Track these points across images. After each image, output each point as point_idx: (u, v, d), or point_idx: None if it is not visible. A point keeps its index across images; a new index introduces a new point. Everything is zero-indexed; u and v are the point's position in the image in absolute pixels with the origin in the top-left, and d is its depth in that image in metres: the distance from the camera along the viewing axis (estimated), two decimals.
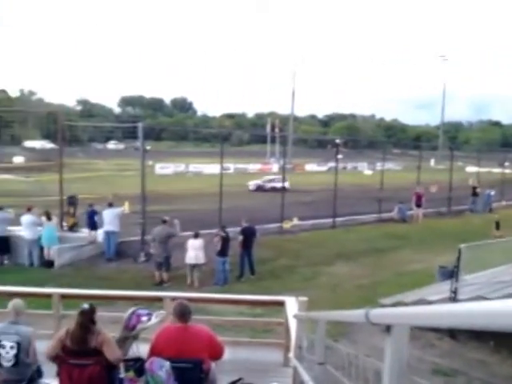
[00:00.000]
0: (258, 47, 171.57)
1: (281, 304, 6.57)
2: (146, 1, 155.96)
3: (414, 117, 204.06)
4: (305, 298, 5.80)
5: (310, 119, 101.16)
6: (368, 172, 41.89)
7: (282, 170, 20.67)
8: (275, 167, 41.83)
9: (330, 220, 19.65)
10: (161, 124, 66.45)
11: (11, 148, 37.65)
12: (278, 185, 28.85)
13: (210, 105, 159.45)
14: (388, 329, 1.76)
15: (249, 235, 13.35)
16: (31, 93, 69.89)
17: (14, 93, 65.71)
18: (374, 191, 22.52)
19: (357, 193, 24.30)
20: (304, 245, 16.37)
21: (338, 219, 19.81)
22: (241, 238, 13.26)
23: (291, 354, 5.33)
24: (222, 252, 12.78)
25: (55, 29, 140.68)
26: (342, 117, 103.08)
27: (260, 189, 29.79)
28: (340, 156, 23.31)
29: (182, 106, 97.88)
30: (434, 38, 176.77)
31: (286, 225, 18.12)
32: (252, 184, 31.27)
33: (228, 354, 6.26)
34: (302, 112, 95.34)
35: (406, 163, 38.02)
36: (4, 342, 4.46)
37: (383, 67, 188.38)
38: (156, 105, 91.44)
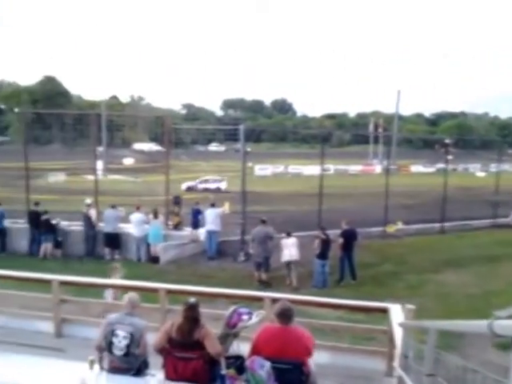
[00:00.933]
0: (361, 45, 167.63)
1: (384, 311, 6.32)
2: (245, 4, 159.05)
3: None
4: (412, 306, 5.56)
5: (415, 118, 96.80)
6: (481, 174, 39.27)
7: (386, 171, 19.91)
8: (378, 168, 40.60)
9: (437, 224, 18.63)
10: (261, 126, 67.39)
11: (122, 150, 40.32)
12: (213, 186, 27.73)
13: (310, 105, 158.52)
14: None
15: (349, 238, 13.05)
16: (140, 98, 74.39)
17: (124, 99, 70.39)
18: (488, 194, 21.03)
19: (468, 196, 22.79)
20: (409, 250, 15.65)
21: (447, 224, 18.70)
22: (341, 240, 12.99)
23: (396, 364, 5.14)
24: (322, 254, 12.63)
25: (162, 37, 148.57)
26: (452, 115, 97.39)
27: (190, 190, 27.67)
28: (450, 157, 22.02)
29: (282, 108, 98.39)
30: None
31: (390, 229, 17.43)
32: (184, 185, 29.09)
33: (327, 358, 6.15)
34: (407, 111, 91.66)
35: None
36: (118, 332, 4.66)
37: (495, 62, 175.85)
38: (256, 107, 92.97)
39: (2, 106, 57.92)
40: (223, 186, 29.52)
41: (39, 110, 41.20)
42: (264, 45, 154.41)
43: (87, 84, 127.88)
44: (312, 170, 27.52)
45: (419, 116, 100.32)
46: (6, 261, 13.46)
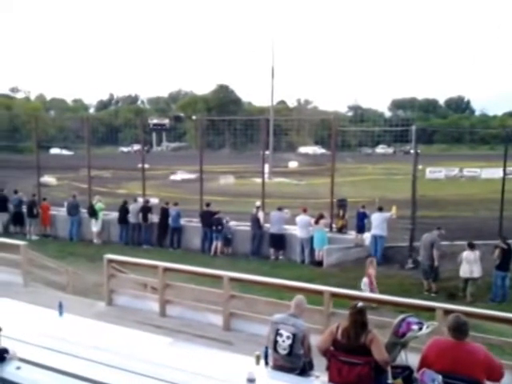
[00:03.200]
0: None
1: None
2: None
3: None
4: None
5: None
6: None
7: None
8: None
9: None
10: (433, 126, 63.57)
11: (287, 154, 41.47)
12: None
13: (490, 103, 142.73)
14: None
15: None
16: (307, 102, 75.28)
17: (292, 103, 72.16)
18: None
19: None
20: None
21: None
22: None
23: None
24: (502, 266, 11.58)
25: (327, 40, 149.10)
26: None
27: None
28: None
29: (458, 106, 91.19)
30: None
31: None
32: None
33: (509, 379, 5.54)
34: None
35: None
36: (282, 331, 4.78)
37: None
38: (429, 106, 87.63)
39: (181, 114, 63.67)
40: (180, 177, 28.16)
41: (213, 117, 44.39)
42: (436, 39, 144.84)
43: (257, 91, 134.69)
44: (491, 173, 25.41)
45: None
46: (182, 256, 14.74)
